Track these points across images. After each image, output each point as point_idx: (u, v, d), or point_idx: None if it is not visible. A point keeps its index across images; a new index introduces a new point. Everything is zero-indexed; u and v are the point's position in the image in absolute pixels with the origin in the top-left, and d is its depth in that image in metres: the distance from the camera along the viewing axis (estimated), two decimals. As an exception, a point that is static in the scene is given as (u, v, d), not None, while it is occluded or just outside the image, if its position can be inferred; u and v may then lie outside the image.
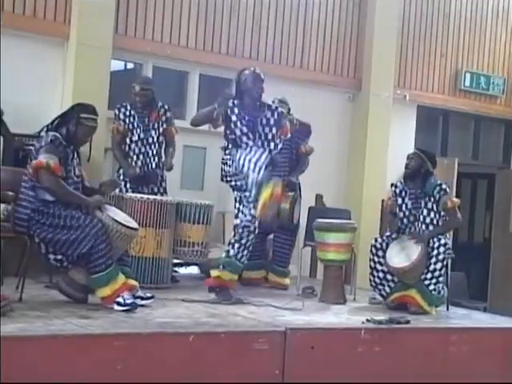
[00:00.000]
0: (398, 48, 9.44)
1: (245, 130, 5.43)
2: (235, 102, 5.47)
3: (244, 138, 5.42)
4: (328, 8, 8.99)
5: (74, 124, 4.92)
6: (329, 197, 8.54)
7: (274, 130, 5.51)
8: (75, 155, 5.00)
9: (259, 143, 5.45)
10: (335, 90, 9.09)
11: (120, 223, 4.87)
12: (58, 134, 4.86)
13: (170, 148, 6.67)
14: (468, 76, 10.13)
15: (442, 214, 5.95)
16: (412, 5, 9.66)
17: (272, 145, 5.48)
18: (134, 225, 5.07)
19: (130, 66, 8.14)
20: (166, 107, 6.64)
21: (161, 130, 6.56)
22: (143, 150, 6.50)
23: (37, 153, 4.80)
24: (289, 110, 6.65)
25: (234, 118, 5.43)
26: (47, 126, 4.99)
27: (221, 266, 5.47)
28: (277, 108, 5.61)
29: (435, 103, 10.01)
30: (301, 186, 6.71)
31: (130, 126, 6.50)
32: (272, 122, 5.49)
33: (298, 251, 6.68)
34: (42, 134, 4.93)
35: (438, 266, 5.77)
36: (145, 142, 6.51)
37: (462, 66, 10.11)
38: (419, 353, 5.02)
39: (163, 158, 6.64)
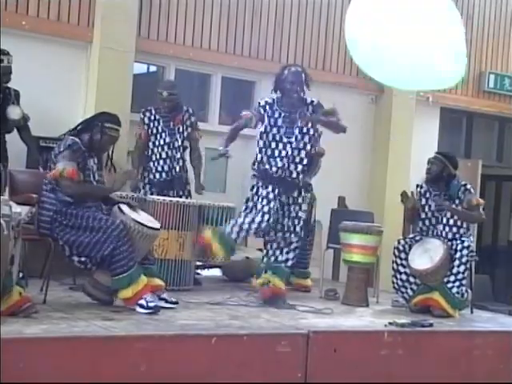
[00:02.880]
0: (420, 49, 9.38)
1: (280, 122, 5.62)
2: (274, 98, 5.65)
3: (274, 130, 5.63)
4: (350, 10, 8.96)
5: (97, 132, 4.98)
6: (351, 199, 8.51)
7: (309, 124, 5.66)
8: (95, 161, 5.04)
9: (293, 139, 5.60)
10: (357, 92, 9.05)
11: (141, 223, 4.90)
12: (76, 139, 4.91)
13: (196, 155, 6.64)
14: (492, 77, 10.04)
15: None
16: (435, 6, 9.60)
17: (307, 138, 5.62)
18: (156, 225, 5.08)
19: (153, 68, 8.17)
20: (191, 111, 6.63)
21: (185, 134, 6.56)
22: (170, 154, 6.49)
23: (55, 157, 4.86)
24: None
25: (276, 114, 5.64)
26: (71, 130, 5.05)
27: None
28: (312, 101, 5.68)
29: (459, 105, 9.94)
30: (313, 187, 6.71)
31: (155, 131, 6.51)
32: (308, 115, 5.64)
33: (321, 253, 6.67)
34: (62, 137, 5.00)
35: (462, 268, 5.73)
36: (171, 146, 6.50)
37: (486, 68, 10.03)
38: (443, 356, 4.99)
39: (187, 162, 6.64)
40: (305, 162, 5.63)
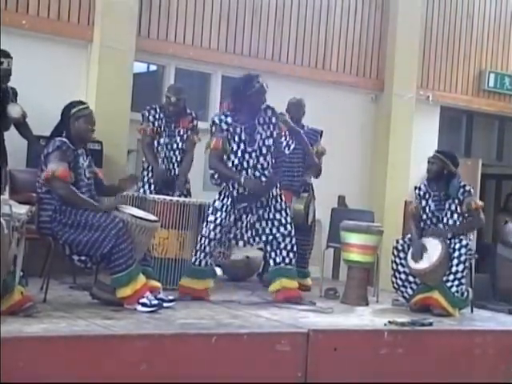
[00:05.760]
0: (420, 48, 9.38)
1: (243, 136, 5.50)
2: (228, 114, 5.52)
3: (242, 145, 5.49)
4: (350, 9, 8.96)
5: (72, 123, 4.94)
6: (351, 198, 8.51)
7: (271, 128, 5.56)
8: (85, 157, 5.03)
9: (256, 148, 5.51)
10: (358, 91, 9.06)
11: (139, 217, 4.91)
12: (63, 139, 4.88)
13: (188, 157, 6.56)
14: (492, 76, 10.04)
15: (466, 215, 5.91)
16: (435, 5, 9.59)
17: (270, 141, 5.52)
18: (153, 217, 5.10)
19: (153, 68, 8.17)
20: (194, 115, 6.64)
21: (185, 137, 6.57)
22: (167, 154, 6.49)
23: (45, 159, 4.83)
24: (303, 112, 6.68)
25: (238, 130, 5.51)
26: (51, 134, 4.99)
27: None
28: (269, 107, 5.61)
29: (459, 104, 9.94)
30: (313, 186, 6.69)
31: (158, 129, 6.52)
32: (267, 120, 5.56)
33: (321, 252, 6.67)
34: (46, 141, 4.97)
35: (460, 267, 5.72)
36: (169, 147, 6.51)
37: (486, 67, 10.03)
38: (443, 355, 4.99)
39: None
40: (271, 165, 5.54)
